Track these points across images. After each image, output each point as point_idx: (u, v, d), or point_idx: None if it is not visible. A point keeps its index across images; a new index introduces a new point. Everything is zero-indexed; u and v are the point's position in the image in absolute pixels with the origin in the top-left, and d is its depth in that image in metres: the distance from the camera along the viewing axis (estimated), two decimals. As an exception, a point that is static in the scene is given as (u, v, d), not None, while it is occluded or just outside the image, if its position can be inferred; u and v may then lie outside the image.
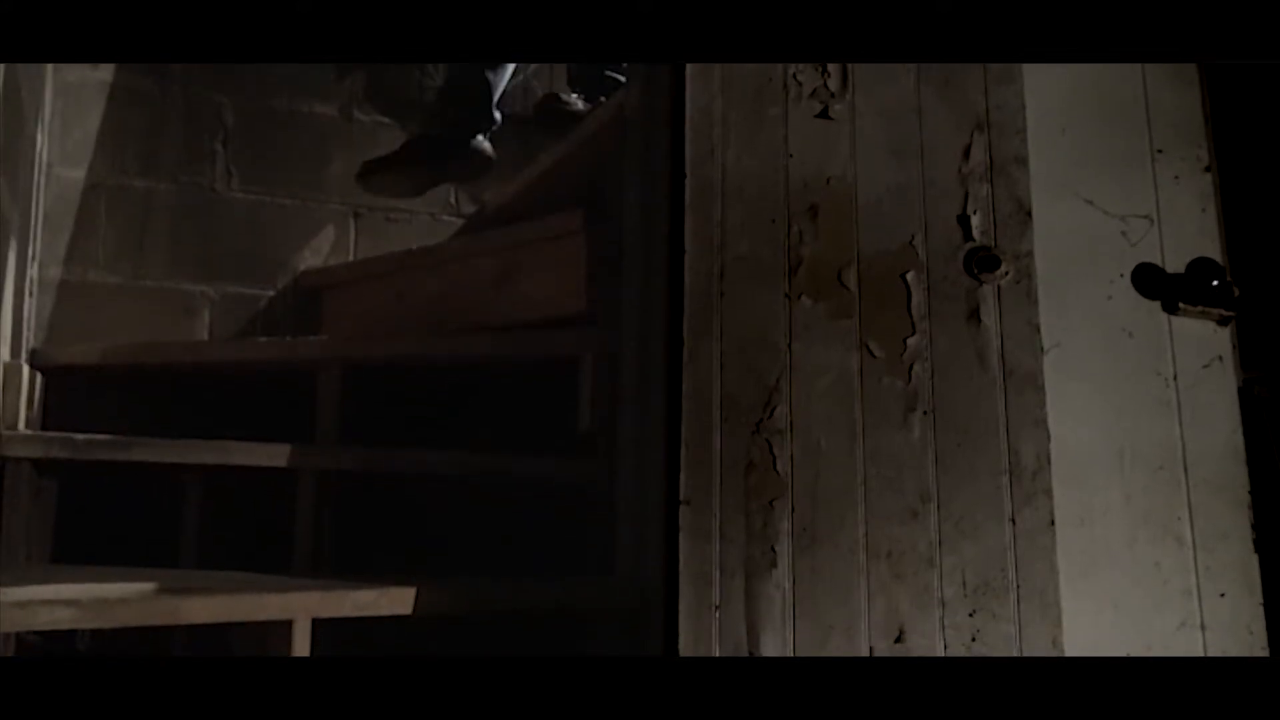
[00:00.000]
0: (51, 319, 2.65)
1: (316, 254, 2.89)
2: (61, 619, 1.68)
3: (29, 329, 2.48)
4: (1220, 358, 1.71)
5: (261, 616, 1.77)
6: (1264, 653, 1.61)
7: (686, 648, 1.53)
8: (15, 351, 2.34)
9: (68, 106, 2.72)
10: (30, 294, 2.52)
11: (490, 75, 2.62)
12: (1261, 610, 1.62)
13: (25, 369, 2.32)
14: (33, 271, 2.54)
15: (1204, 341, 1.71)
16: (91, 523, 2.25)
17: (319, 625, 1.76)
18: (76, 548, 2.20)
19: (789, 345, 1.63)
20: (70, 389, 2.42)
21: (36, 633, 1.87)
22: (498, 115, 2.66)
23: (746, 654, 1.53)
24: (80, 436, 2.18)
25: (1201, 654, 1.60)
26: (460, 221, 3.04)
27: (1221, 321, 1.72)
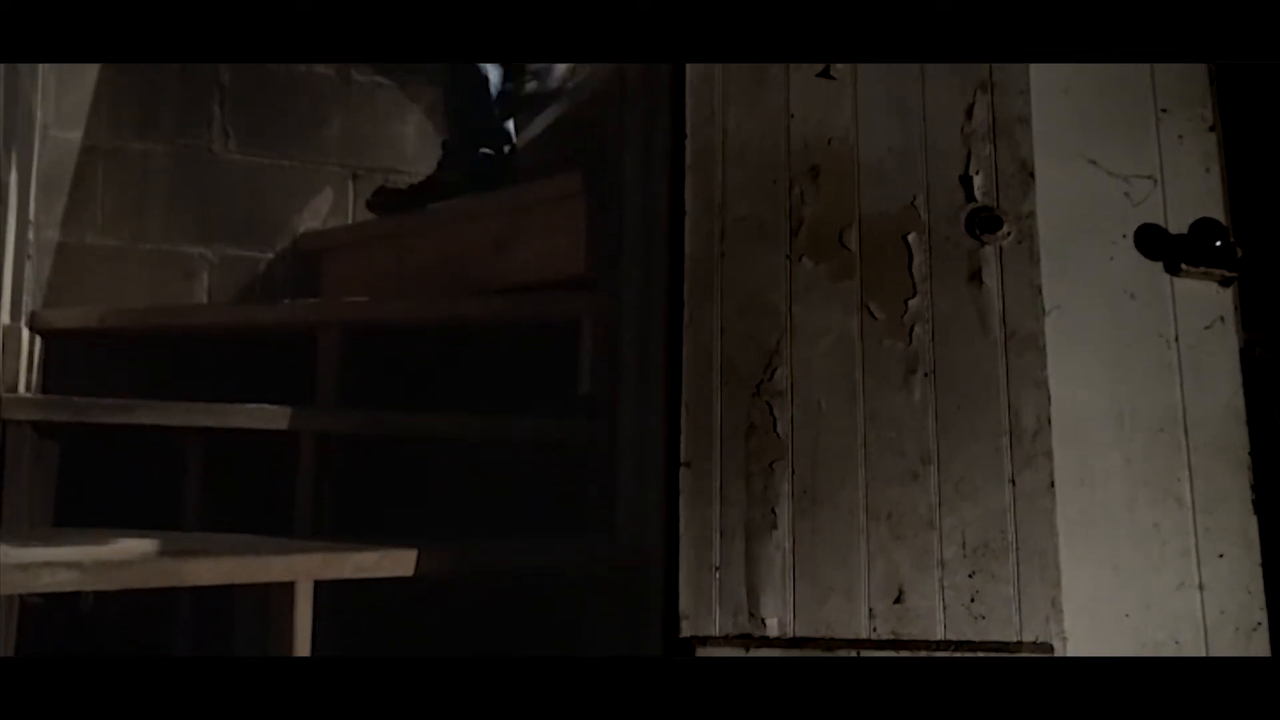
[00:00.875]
0: (50, 282, 2.64)
1: (315, 216, 2.88)
2: (64, 581, 1.68)
3: (28, 292, 2.47)
4: (1222, 319, 1.71)
5: (264, 578, 1.77)
6: (1262, 613, 1.62)
7: (687, 608, 1.53)
8: (14, 314, 2.33)
9: (63, 68, 2.70)
10: (29, 256, 2.51)
11: (495, 109, 2.61)
12: (1260, 571, 1.63)
13: (25, 332, 2.32)
14: (30, 234, 2.53)
15: (1206, 303, 1.71)
16: (93, 486, 2.26)
17: (321, 587, 1.77)
18: (79, 511, 2.21)
19: (789, 307, 1.63)
20: (70, 352, 2.41)
21: (40, 595, 1.88)
22: (512, 131, 2.65)
23: (747, 615, 1.53)
24: (81, 399, 2.18)
25: (1200, 613, 1.61)
26: (459, 183, 3.01)
27: (1224, 282, 1.72)
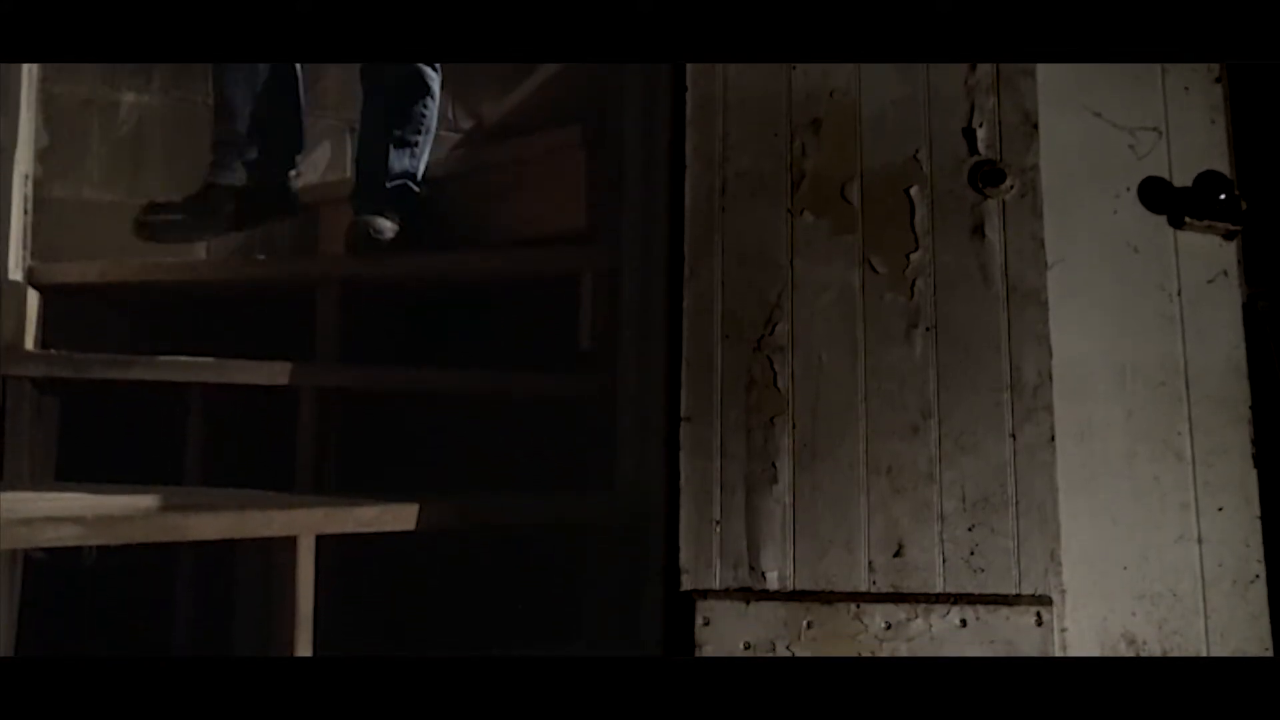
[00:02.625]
0: (48, 237, 2.63)
1: (313, 170, 2.86)
2: (66, 536, 1.69)
3: (26, 247, 2.46)
4: (1225, 272, 1.70)
5: (266, 533, 1.78)
6: (1260, 565, 1.62)
7: (687, 562, 1.54)
8: (13, 270, 2.32)
9: (56, 20, 2.67)
10: (26, 211, 2.50)
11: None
12: (1259, 524, 1.63)
13: (24, 288, 2.31)
14: (27, 189, 2.51)
15: (1209, 256, 1.70)
16: (94, 442, 2.26)
17: (323, 542, 1.77)
18: (80, 467, 2.21)
19: (791, 261, 1.62)
20: (69, 307, 2.41)
21: (43, 550, 1.89)
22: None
23: (747, 568, 1.54)
24: (80, 355, 2.18)
25: (1198, 566, 1.62)
26: (457, 136, 3.00)
27: (1227, 236, 1.71)
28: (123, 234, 2.69)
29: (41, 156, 2.63)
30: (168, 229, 2.33)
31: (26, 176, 2.51)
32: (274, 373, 2.16)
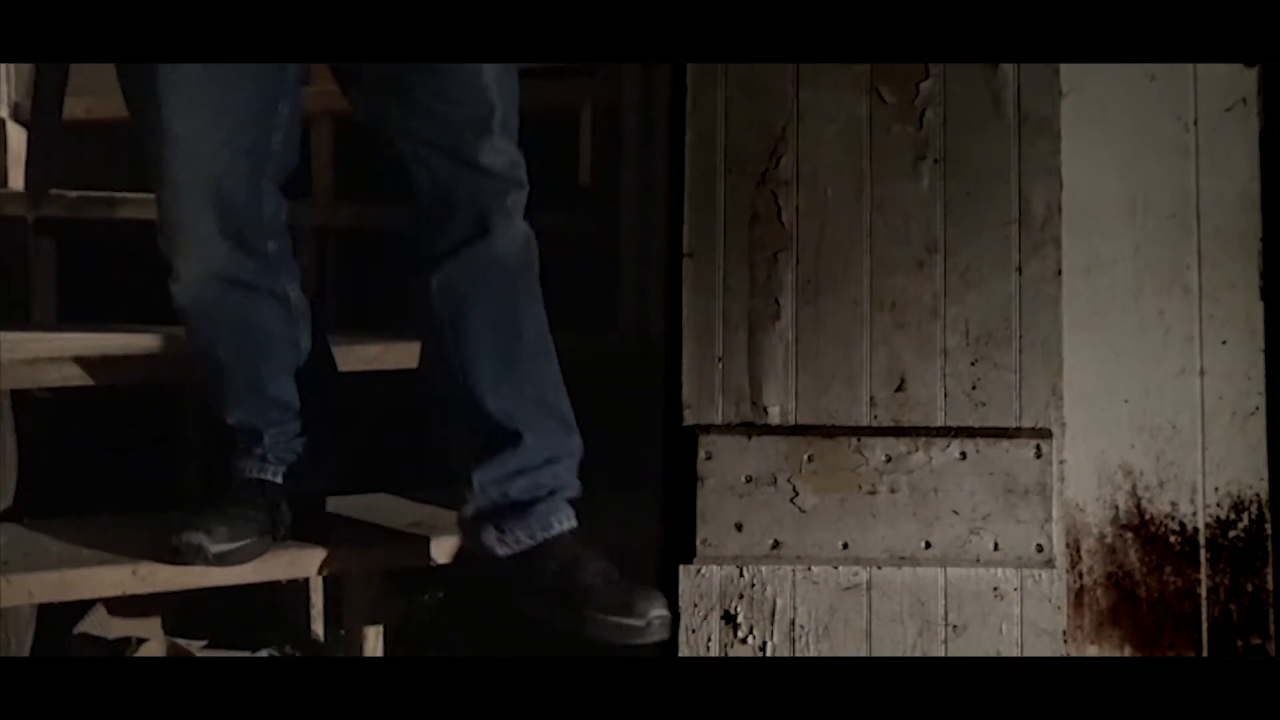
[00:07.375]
0: (30, 72, 2.56)
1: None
2: (70, 376, 1.70)
3: (9, 83, 2.40)
4: (1244, 100, 1.65)
5: (269, 371, 1.78)
6: (1260, 397, 1.62)
7: (690, 397, 1.55)
8: (-3, 107, 2.27)
9: None
10: (6, 46, 2.42)
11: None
12: (1262, 357, 1.63)
13: (10, 125, 2.26)
14: (6, 22, 2.43)
15: (1229, 83, 1.65)
16: (92, 282, 2.25)
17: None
18: (79, 308, 2.21)
19: (796, 92, 1.57)
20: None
21: (47, 390, 1.90)
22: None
23: (750, 403, 1.55)
24: (73, 194, 2.15)
25: (1199, 399, 1.62)
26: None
27: (1249, 62, 1.65)
28: (107, 67, 2.61)
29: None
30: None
31: (4, 8, 2.43)
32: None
